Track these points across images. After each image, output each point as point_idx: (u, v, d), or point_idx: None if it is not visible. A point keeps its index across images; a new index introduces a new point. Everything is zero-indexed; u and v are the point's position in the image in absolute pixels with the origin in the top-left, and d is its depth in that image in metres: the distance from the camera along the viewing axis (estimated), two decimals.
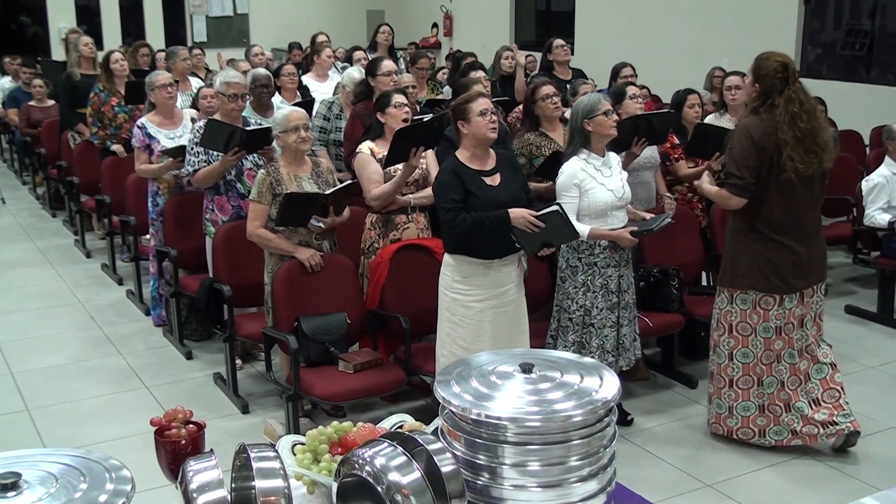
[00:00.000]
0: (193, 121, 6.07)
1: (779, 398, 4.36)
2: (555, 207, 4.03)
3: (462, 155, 4.17)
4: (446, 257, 4.22)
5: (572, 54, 7.65)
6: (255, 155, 5.24)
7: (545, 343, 4.58)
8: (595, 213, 4.39)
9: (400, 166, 4.70)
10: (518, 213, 4.01)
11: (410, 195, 4.84)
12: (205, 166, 5.20)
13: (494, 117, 4.13)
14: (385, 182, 4.76)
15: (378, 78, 5.94)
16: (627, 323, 4.57)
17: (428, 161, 4.91)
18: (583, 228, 4.34)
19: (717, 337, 4.46)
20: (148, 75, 6.32)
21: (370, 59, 6.84)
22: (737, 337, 4.36)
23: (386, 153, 4.75)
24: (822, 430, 4.34)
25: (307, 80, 7.77)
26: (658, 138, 5.36)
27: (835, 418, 4.34)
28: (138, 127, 5.96)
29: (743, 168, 4.11)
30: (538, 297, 4.86)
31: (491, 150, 4.22)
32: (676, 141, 5.71)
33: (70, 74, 8.20)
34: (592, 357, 4.40)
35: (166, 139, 5.93)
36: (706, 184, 4.43)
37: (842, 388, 4.39)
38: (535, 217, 3.99)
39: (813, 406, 4.35)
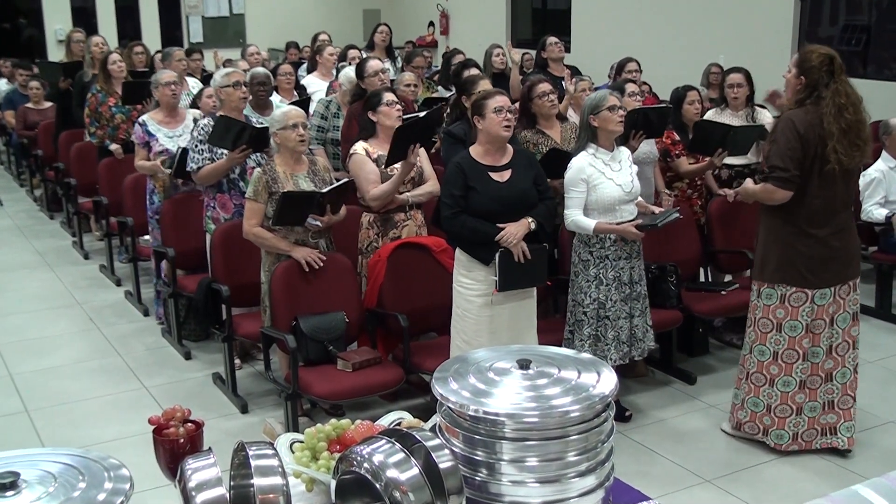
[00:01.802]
0: (196, 121, 6.07)
1: (793, 400, 4.29)
2: (544, 245, 4.25)
3: (475, 150, 4.22)
4: (456, 250, 4.26)
5: (568, 52, 7.66)
6: (258, 154, 5.24)
7: (562, 339, 4.59)
8: (603, 207, 4.40)
9: (398, 165, 4.70)
10: (511, 232, 4.08)
11: (408, 193, 4.84)
12: (208, 164, 5.20)
13: (510, 115, 4.15)
14: (382, 181, 4.76)
15: (367, 80, 5.96)
16: (639, 314, 4.59)
17: (421, 158, 4.91)
18: (589, 223, 4.35)
19: (746, 327, 4.44)
20: (154, 74, 6.35)
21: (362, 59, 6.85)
22: (757, 332, 4.32)
23: (380, 152, 4.76)
24: (819, 438, 4.33)
25: (312, 79, 7.77)
26: (655, 131, 5.37)
27: (837, 427, 4.32)
28: (139, 124, 6.00)
29: (788, 160, 4.04)
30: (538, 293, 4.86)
31: (508, 146, 4.26)
32: (677, 137, 5.70)
33: (82, 75, 8.24)
34: (608, 348, 4.43)
35: (165, 137, 5.96)
36: (749, 185, 4.33)
37: (855, 397, 4.37)
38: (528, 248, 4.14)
39: (825, 408, 4.32)
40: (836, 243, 4.18)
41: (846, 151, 4.03)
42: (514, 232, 4.11)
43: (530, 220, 4.17)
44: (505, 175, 4.19)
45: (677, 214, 4.63)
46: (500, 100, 4.15)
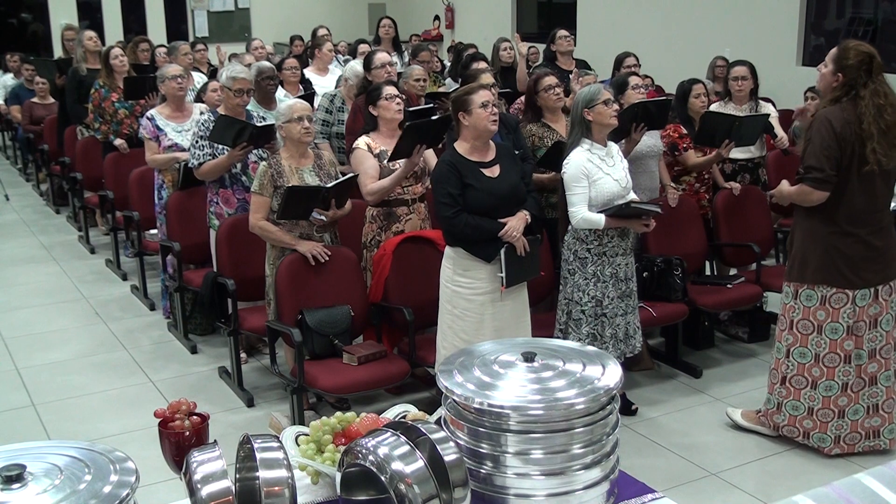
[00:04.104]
0: (202, 114, 6.08)
1: (835, 404, 4.22)
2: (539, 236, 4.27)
3: (461, 147, 4.17)
4: (448, 250, 4.24)
5: (575, 45, 7.64)
6: (260, 149, 5.24)
7: (553, 336, 4.57)
8: (601, 203, 4.39)
9: (401, 161, 4.69)
10: (514, 226, 4.10)
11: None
12: (210, 160, 5.21)
13: (496, 109, 4.13)
14: (381, 176, 4.75)
15: (373, 72, 5.96)
16: (632, 311, 4.58)
17: (426, 154, 4.90)
18: (598, 218, 4.34)
19: (778, 331, 4.36)
20: (159, 68, 6.34)
21: (369, 52, 6.85)
22: (796, 334, 4.24)
23: (382, 147, 4.75)
24: (863, 441, 4.26)
25: (308, 73, 7.76)
26: (657, 123, 5.35)
27: (881, 430, 4.28)
28: (147, 118, 5.98)
29: (824, 160, 3.96)
30: (540, 288, 4.85)
31: (491, 142, 4.23)
32: (684, 131, 5.68)
33: (77, 69, 8.22)
34: (606, 346, 4.42)
35: (174, 132, 5.95)
36: (785, 186, 4.23)
37: None
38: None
39: (870, 412, 4.26)
40: (878, 242, 4.10)
41: (885, 152, 3.94)
42: (516, 226, 4.11)
43: (525, 213, 4.18)
44: (495, 171, 4.17)
45: (657, 210, 4.57)
46: (485, 94, 4.10)
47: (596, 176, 4.36)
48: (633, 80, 5.52)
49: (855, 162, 3.98)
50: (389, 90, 4.87)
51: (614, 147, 4.57)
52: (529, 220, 4.17)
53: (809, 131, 4.08)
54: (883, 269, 4.15)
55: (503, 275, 4.12)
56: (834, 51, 4.07)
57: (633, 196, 4.59)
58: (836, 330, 4.15)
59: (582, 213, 4.36)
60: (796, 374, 4.28)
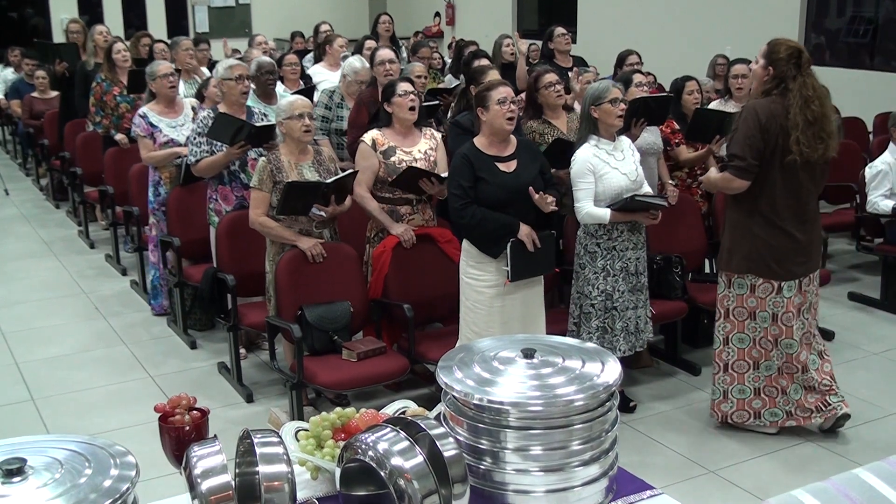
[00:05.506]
0: (194, 110, 6.07)
1: (776, 382, 4.38)
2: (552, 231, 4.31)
3: (479, 141, 4.23)
4: (464, 243, 4.29)
5: (574, 42, 7.65)
6: (260, 148, 5.24)
7: (567, 331, 4.59)
8: (610, 197, 4.40)
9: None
10: (526, 230, 4.14)
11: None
12: (207, 156, 5.20)
13: (513, 106, 4.15)
14: (386, 171, 4.74)
15: (374, 68, 5.97)
16: (642, 305, 4.59)
17: (438, 155, 4.89)
18: (604, 212, 4.36)
19: (716, 321, 4.47)
20: (149, 65, 6.32)
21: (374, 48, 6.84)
22: (733, 322, 4.37)
23: (391, 143, 4.75)
24: (814, 412, 4.37)
25: (320, 69, 7.72)
26: (656, 119, 5.37)
27: (827, 399, 4.36)
28: (140, 116, 5.97)
29: (746, 149, 4.09)
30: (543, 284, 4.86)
31: (512, 137, 4.26)
32: (676, 126, 5.71)
33: (85, 64, 8.22)
34: (617, 339, 4.43)
35: (168, 128, 5.95)
36: (713, 174, 4.40)
37: (832, 377, 4.42)
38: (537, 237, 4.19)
39: (807, 391, 4.37)
40: (801, 236, 4.23)
41: (809, 143, 4.04)
42: (528, 230, 4.15)
43: (551, 199, 4.17)
44: (511, 165, 4.20)
45: (663, 203, 4.60)
46: (504, 91, 4.15)
47: (602, 171, 4.38)
48: (637, 78, 5.54)
49: (777, 154, 4.09)
50: (404, 87, 4.83)
51: (626, 141, 4.59)
52: (553, 207, 4.19)
53: (737, 122, 4.20)
54: (806, 262, 4.29)
55: (508, 268, 4.13)
56: (764, 47, 4.19)
57: (646, 188, 4.60)
58: (765, 318, 4.30)
59: (587, 207, 4.38)
60: (737, 359, 4.41)
